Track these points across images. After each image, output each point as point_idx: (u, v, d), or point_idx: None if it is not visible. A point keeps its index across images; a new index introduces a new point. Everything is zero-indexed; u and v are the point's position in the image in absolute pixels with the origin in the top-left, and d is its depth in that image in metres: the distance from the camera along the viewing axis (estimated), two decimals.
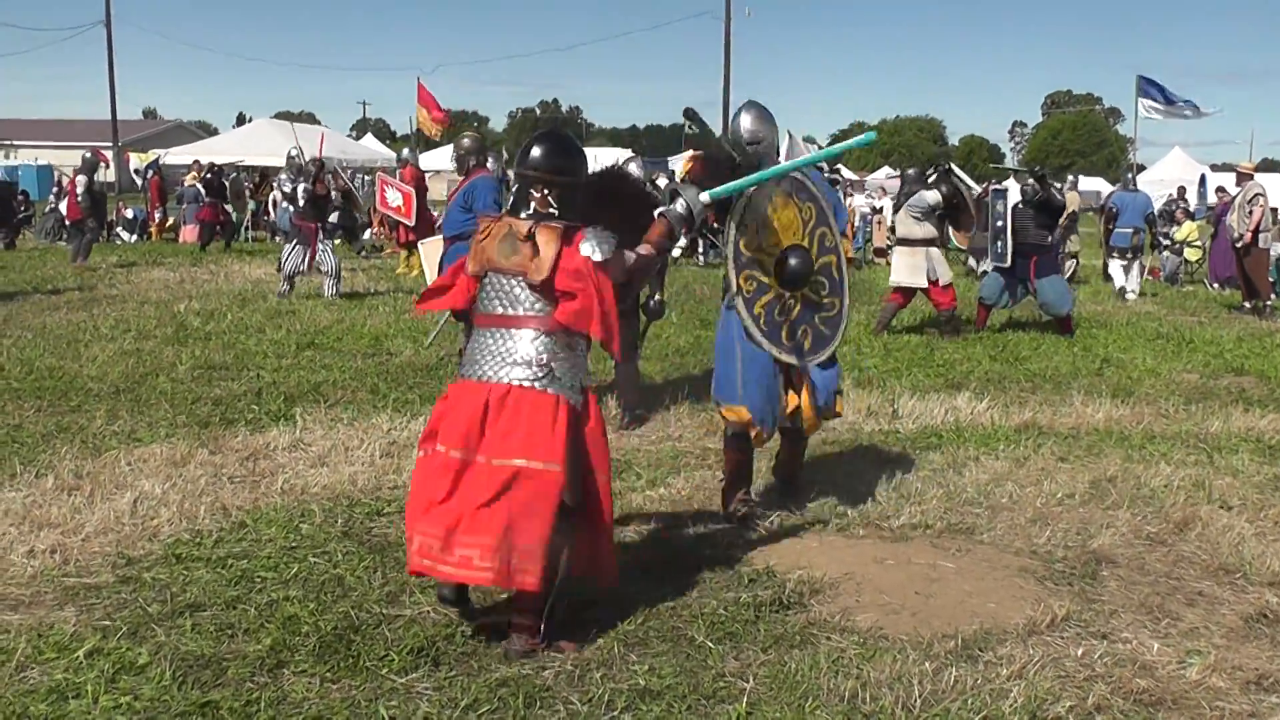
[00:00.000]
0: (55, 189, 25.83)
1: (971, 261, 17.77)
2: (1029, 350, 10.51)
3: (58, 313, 11.86)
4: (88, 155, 17.75)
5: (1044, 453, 6.65)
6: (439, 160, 31.53)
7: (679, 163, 22.53)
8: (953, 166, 12.76)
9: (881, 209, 21.81)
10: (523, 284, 3.86)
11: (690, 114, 5.78)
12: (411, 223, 15.47)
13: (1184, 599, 4.51)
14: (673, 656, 3.83)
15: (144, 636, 3.88)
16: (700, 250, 19.21)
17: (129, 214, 23.97)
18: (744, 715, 3.44)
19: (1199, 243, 19.63)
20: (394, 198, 15.68)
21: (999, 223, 11.95)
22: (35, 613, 4.10)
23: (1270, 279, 14.36)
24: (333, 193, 15.71)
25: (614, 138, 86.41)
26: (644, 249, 4.17)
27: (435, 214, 16.05)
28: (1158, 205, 20.08)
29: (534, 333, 3.85)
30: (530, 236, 3.84)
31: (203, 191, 21.68)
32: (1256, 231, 13.98)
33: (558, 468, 3.75)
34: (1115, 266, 16.56)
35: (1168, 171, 33.47)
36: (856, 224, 21.10)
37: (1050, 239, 12.16)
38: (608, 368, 8.34)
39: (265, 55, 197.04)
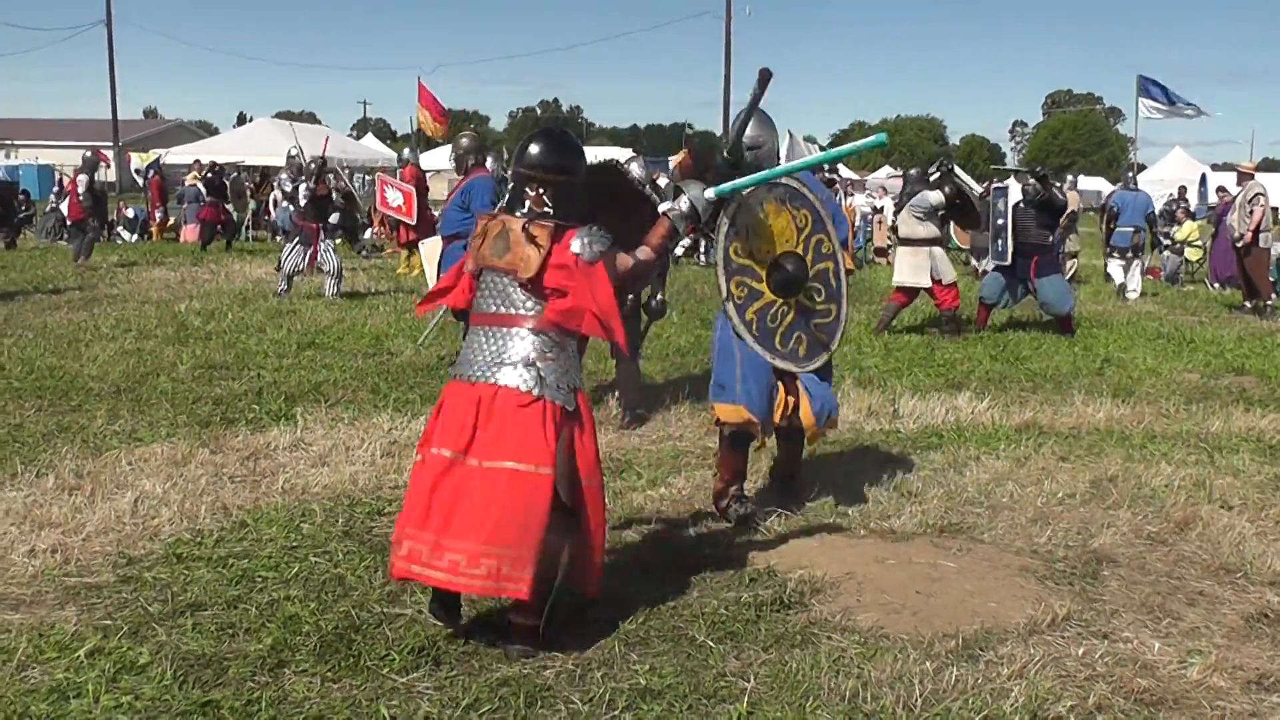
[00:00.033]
0: (56, 189, 25.86)
1: (974, 261, 17.78)
2: (1030, 350, 10.51)
3: (58, 312, 11.86)
4: (88, 155, 17.78)
5: (1045, 452, 6.65)
6: (440, 160, 31.52)
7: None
8: (955, 167, 12.76)
9: (882, 209, 21.82)
10: (514, 282, 3.85)
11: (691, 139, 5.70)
12: (413, 222, 15.47)
13: (1185, 599, 4.50)
14: (674, 656, 3.83)
15: (145, 636, 3.88)
16: (702, 250, 19.21)
17: (130, 213, 23.97)
18: (745, 715, 3.44)
19: (1199, 242, 19.63)
20: (394, 197, 15.68)
21: (999, 220, 11.96)
22: (36, 612, 4.10)
23: (1271, 279, 14.36)
24: (333, 193, 15.72)
25: (615, 137, 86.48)
26: (643, 253, 4.06)
27: (436, 213, 16.05)
28: (1158, 205, 20.10)
29: (526, 331, 3.82)
30: (523, 234, 3.82)
31: (203, 191, 21.68)
32: (1257, 231, 13.98)
33: (548, 470, 3.71)
34: (1114, 265, 16.58)
35: (1168, 171, 33.49)
36: (857, 224, 21.10)
37: (1051, 239, 12.16)
38: (609, 367, 8.34)
39: (266, 55, 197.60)
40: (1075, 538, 5.14)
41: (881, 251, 21.33)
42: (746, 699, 3.51)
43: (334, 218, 14.10)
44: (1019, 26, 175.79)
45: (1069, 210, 15.37)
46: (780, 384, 5.16)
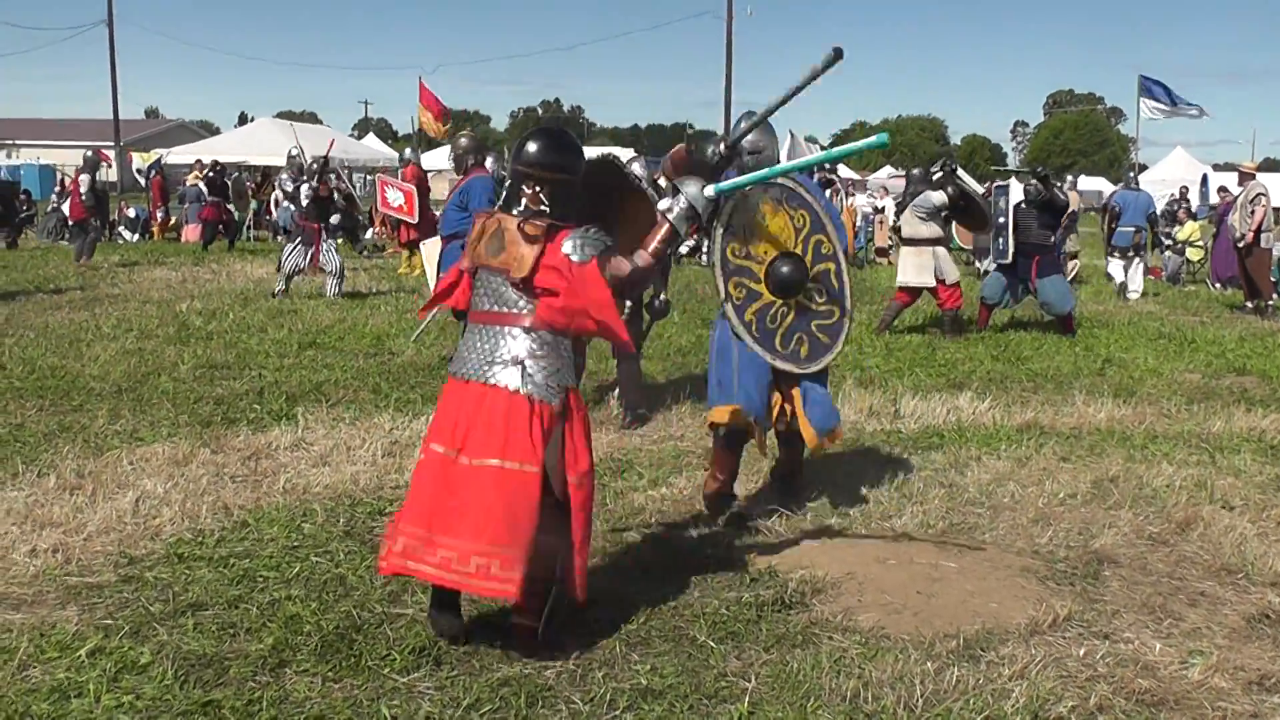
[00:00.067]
0: (57, 188, 25.88)
1: (976, 261, 17.77)
2: (1031, 350, 10.51)
3: (60, 312, 11.87)
4: (90, 155, 17.79)
5: (1046, 452, 6.64)
6: (441, 159, 31.52)
7: None
8: (957, 168, 12.76)
9: (883, 208, 21.81)
10: (508, 281, 3.83)
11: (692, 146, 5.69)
12: (414, 221, 15.47)
13: (1186, 599, 4.50)
14: (675, 656, 3.83)
15: (146, 636, 3.88)
16: (704, 251, 19.17)
17: (131, 213, 23.99)
18: (746, 715, 3.44)
19: (1201, 242, 19.63)
20: (395, 197, 15.69)
21: (1001, 220, 11.96)
22: (37, 612, 4.10)
23: (1272, 279, 14.36)
24: (335, 193, 15.72)
25: (616, 137, 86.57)
26: (640, 258, 3.91)
27: (437, 213, 16.05)
28: (1160, 205, 20.09)
29: (519, 330, 3.81)
30: (518, 233, 3.82)
31: (205, 191, 21.70)
32: (1258, 231, 13.98)
33: (534, 469, 3.69)
34: (1115, 265, 16.58)
35: (1170, 171, 33.48)
36: (858, 224, 21.10)
37: (1053, 239, 12.16)
38: (609, 367, 8.34)
39: (266, 55, 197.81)
40: (1076, 538, 5.14)
41: (883, 251, 21.33)
42: (747, 699, 3.51)
43: (335, 218, 14.10)
44: (1020, 26, 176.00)
45: (1069, 210, 15.39)
46: (778, 390, 5.14)
